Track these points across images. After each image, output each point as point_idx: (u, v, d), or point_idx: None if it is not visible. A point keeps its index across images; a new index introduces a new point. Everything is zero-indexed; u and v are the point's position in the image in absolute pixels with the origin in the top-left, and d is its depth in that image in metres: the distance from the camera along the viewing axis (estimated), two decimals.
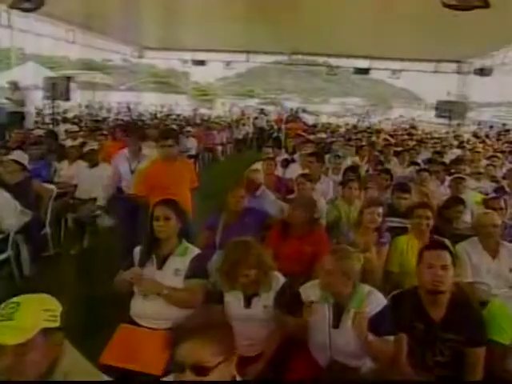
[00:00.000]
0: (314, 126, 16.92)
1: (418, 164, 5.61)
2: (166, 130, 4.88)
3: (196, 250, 2.48)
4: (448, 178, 5.49)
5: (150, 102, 30.60)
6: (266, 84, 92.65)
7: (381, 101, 62.41)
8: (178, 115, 19.97)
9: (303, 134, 10.62)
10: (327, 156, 6.47)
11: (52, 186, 4.81)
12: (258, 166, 5.08)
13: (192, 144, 10.06)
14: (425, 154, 9.14)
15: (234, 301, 2.27)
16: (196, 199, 4.09)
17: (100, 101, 26.68)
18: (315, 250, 3.00)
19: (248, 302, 2.25)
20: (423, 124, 23.14)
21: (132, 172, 4.45)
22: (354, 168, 5.25)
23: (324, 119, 27.45)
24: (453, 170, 6.59)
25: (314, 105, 56.27)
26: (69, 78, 10.50)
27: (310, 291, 2.19)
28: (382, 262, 3.04)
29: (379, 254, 3.03)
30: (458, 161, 6.85)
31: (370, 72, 18.66)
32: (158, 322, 2.28)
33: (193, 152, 10.05)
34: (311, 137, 9.95)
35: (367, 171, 6.41)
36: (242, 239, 2.28)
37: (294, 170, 5.89)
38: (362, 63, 18.56)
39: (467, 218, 4.18)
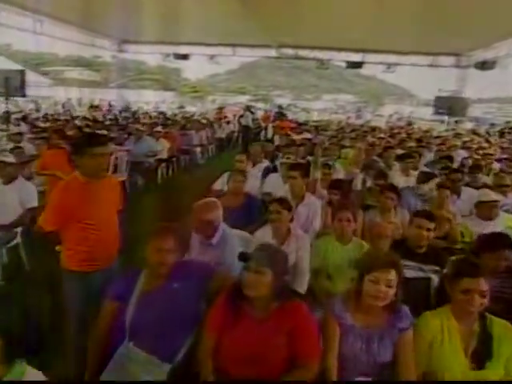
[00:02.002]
0: (305, 123, 15.74)
1: (432, 175, 4.42)
2: (94, 135, 3.58)
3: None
4: (468, 191, 4.36)
5: (135, 100, 29.33)
6: (258, 81, 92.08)
7: (373, 97, 61.78)
8: (161, 113, 18.70)
9: (290, 133, 9.45)
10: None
11: None
12: (221, 184, 3.89)
13: (163, 146, 8.79)
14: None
15: None
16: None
17: (80, 97, 25.32)
18: (293, 343, 1.82)
19: None
20: (417, 121, 22.13)
21: None
22: (341, 183, 4.04)
23: (315, 116, 26.38)
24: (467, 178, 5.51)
25: (306, 101, 55.62)
26: (23, 72, 9.18)
27: None
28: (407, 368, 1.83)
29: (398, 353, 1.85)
30: (473, 167, 5.70)
31: (364, 66, 17.48)
32: None
33: (164, 155, 8.79)
34: (299, 137, 8.75)
35: (364, 183, 5.23)
36: None
37: (274, 183, 4.73)
38: (355, 57, 17.40)
39: None
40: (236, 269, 2.19)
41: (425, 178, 4.37)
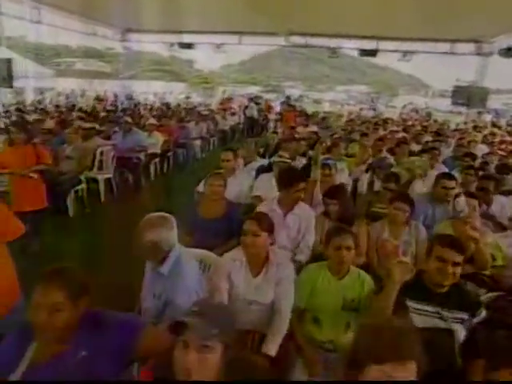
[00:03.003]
0: (314, 115, 14.93)
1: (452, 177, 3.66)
2: None
3: None
4: (499, 200, 3.61)
5: (144, 91, 28.83)
6: (270, 71, 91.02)
7: (387, 88, 60.22)
8: (164, 104, 18.08)
9: (294, 125, 8.70)
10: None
11: None
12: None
13: (156, 140, 8.14)
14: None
15: None
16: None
17: (83, 89, 24.81)
18: None
19: None
20: (433, 113, 21.07)
21: None
22: (341, 191, 3.28)
23: (326, 107, 25.47)
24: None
25: (319, 92, 54.48)
26: (10, 61, 8.59)
27: None
28: None
29: None
30: (500, 167, 4.92)
31: (378, 54, 16.47)
32: None
33: (157, 150, 8.14)
34: (304, 130, 8.02)
35: (371, 184, 4.50)
36: None
37: (265, 185, 4.03)
38: (369, 44, 16.39)
39: None
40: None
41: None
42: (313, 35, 16.68)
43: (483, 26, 13.36)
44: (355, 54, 16.87)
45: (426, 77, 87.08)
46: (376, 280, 2.25)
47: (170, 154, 9.00)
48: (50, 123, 7.18)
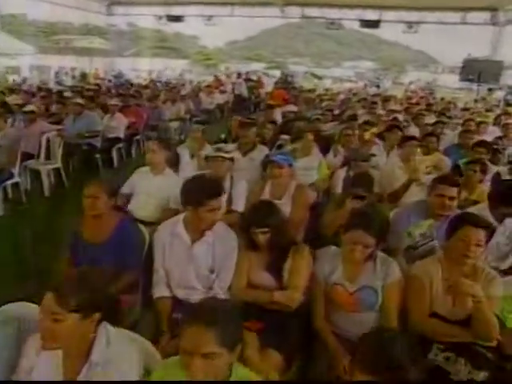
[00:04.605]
0: (310, 91, 13.75)
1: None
2: None
3: None
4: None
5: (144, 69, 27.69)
6: (276, 48, 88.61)
7: (395, 64, 58.03)
8: (152, 81, 16.92)
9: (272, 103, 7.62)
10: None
11: None
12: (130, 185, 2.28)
13: (117, 123, 7.13)
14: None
15: None
16: None
17: (74, 67, 23.63)
18: None
19: None
20: (441, 89, 19.63)
21: None
22: (269, 212, 2.12)
23: (328, 84, 24.05)
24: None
25: (326, 69, 52.59)
26: None
27: None
28: None
29: None
30: None
31: (381, 25, 15.06)
32: None
33: (119, 134, 7.14)
34: (286, 109, 6.95)
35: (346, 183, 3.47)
36: None
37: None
38: (371, 15, 14.99)
39: None
40: None
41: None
42: (310, 5, 15.29)
43: None
44: (356, 26, 15.49)
45: (436, 52, 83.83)
46: None
47: (138, 137, 8.02)
48: None
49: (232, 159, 3.00)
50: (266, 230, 1.97)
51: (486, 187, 3.57)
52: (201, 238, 2.08)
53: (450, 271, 1.83)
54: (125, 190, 3.37)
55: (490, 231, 1.82)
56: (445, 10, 14.57)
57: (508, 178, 3.80)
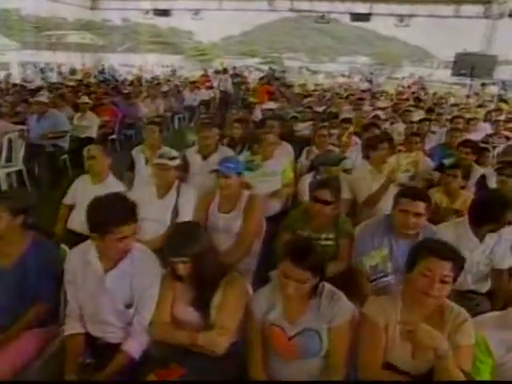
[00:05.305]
0: (300, 88, 13.37)
1: None
2: None
3: None
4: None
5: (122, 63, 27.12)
6: (272, 43, 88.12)
7: (391, 59, 57.62)
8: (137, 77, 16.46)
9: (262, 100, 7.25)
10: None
11: None
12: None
13: (89, 122, 6.75)
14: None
15: None
16: None
17: (61, 63, 23.12)
18: None
19: None
20: (435, 85, 19.27)
21: None
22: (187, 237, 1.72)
23: (320, 80, 23.66)
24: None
25: (321, 64, 52.15)
26: None
27: None
28: None
29: None
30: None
31: (372, 19, 14.65)
32: None
33: (91, 134, 6.74)
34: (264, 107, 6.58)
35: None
36: None
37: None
38: (361, 8, 14.58)
39: None
40: None
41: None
42: None
43: None
44: (347, 19, 15.07)
45: (432, 47, 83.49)
46: None
47: (114, 137, 7.64)
48: None
49: (177, 167, 2.64)
50: (185, 259, 1.61)
51: (471, 193, 3.26)
52: (115, 267, 1.73)
53: (410, 312, 1.48)
54: (67, 200, 3.02)
55: (460, 264, 1.46)
56: (437, 3, 14.20)
57: (495, 180, 3.45)
